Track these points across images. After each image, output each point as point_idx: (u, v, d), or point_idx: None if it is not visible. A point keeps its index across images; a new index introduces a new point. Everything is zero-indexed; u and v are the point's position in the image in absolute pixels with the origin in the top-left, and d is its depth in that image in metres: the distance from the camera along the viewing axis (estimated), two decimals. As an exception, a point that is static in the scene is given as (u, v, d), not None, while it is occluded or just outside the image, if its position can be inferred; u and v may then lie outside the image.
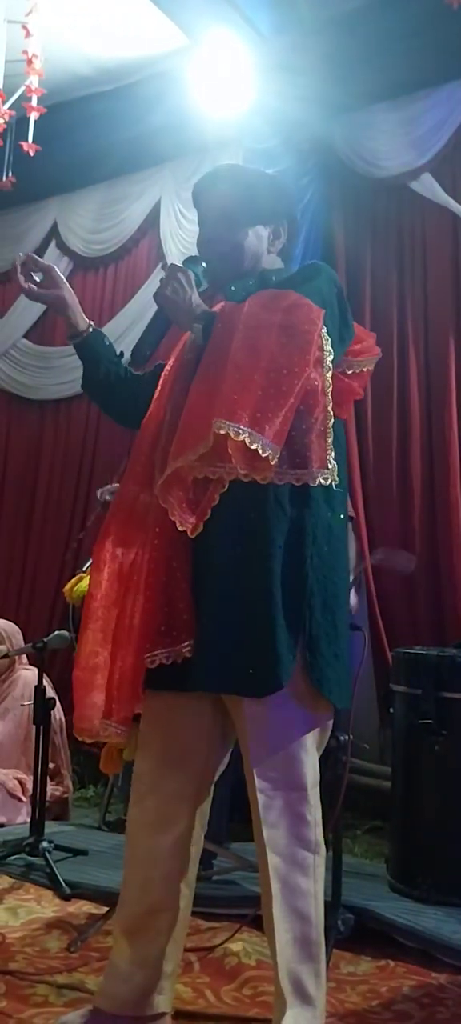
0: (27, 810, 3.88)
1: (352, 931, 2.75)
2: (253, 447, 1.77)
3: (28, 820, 3.58)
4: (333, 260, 4.99)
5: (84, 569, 3.71)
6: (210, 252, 2.17)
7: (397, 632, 4.55)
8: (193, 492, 1.91)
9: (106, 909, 2.84)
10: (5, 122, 4.37)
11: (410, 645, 3.71)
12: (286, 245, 2.23)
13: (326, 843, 2.82)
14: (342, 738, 2.77)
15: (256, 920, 2.69)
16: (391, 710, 3.52)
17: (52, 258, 5.99)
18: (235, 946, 2.62)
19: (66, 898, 3.06)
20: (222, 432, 1.77)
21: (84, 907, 2.99)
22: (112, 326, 5.56)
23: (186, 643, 1.94)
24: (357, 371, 2.15)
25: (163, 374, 2.18)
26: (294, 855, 1.93)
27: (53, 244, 6.10)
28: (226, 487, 1.90)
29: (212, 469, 1.87)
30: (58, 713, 4.14)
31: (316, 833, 1.96)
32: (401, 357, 4.76)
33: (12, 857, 3.38)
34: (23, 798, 4.07)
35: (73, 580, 3.95)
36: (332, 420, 1.94)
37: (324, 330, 1.93)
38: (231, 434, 1.77)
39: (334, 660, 1.95)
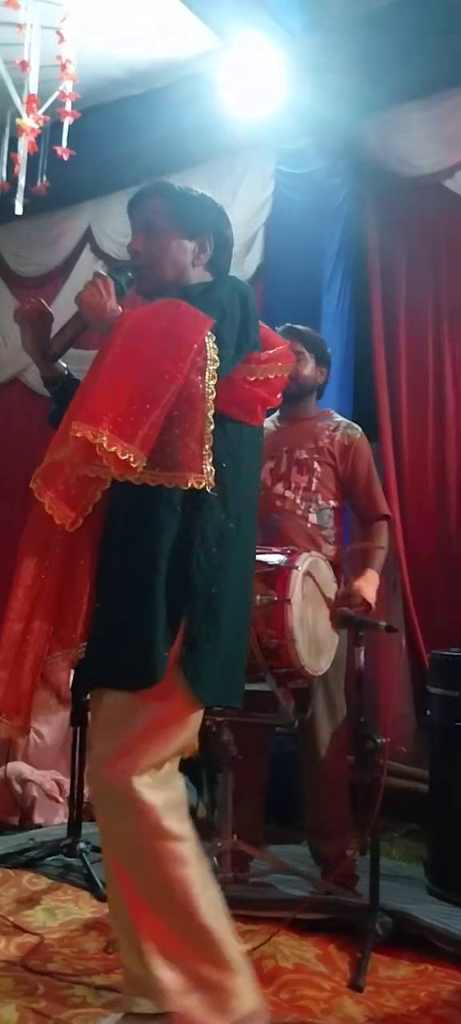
0: (64, 811, 3.90)
1: (390, 935, 2.74)
2: (112, 450, 1.80)
3: (65, 821, 3.60)
4: (367, 260, 4.97)
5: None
6: (135, 263, 2.22)
7: (434, 634, 4.50)
8: (75, 489, 1.94)
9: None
10: (40, 127, 4.40)
11: (447, 647, 3.68)
12: (214, 259, 2.25)
13: (364, 847, 2.82)
14: (379, 741, 2.76)
15: (294, 923, 2.70)
16: (428, 712, 3.50)
17: (87, 262, 6.00)
18: (272, 949, 2.61)
19: (103, 899, 3.05)
20: (78, 435, 1.81)
21: (121, 908, 2.99)
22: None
23: (83, 644, 2.01)
24: (261, 378, 2.16)
25: None
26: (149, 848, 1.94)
27: (87, 248, 6.10)
28: (109, 485, 1.94)
29: (90, 468, 1.90)
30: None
31: (168, 821, 1.95)
32: (437, 357, 4.71)
33: (50, 858, 3.41)
34: (60, 799, 4.09)
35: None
36: (211, 427, 1.97)
37: (213, 339, 1.96)
38: (89, 437, 1.80)
39: (210, 658, 1.97)
